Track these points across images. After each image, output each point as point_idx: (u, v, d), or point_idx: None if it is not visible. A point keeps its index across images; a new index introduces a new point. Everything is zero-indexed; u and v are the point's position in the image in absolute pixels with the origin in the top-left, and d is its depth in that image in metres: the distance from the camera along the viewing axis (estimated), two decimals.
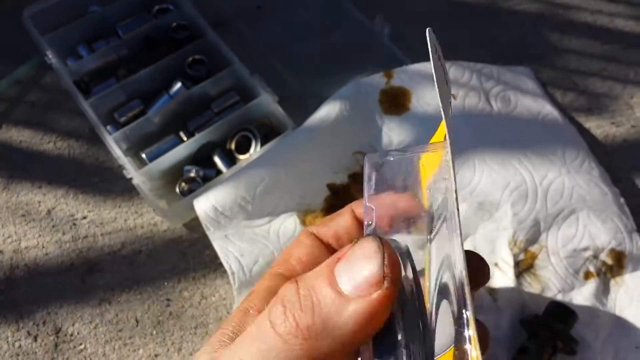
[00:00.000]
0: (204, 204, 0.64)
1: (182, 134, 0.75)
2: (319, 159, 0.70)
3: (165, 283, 0.68)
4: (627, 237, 0.70)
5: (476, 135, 0.73)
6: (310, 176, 0.69)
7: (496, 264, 0.69)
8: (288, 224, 0.65)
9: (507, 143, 0.73)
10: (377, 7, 0.87)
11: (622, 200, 0.73)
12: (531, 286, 0.68)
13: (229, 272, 0.61)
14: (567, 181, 0.71)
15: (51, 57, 0.76)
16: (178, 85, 0.75)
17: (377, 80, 0.76)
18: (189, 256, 0.70)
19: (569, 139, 0.75)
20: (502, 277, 0.68)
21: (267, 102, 0.74)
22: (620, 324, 0.67)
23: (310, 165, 0.69)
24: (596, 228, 0.70)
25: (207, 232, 0.63)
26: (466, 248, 0.69)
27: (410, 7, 0.90)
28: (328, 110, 0.72)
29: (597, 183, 0.72)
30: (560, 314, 0.64)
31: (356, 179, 0.72)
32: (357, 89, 0.75)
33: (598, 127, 0.80)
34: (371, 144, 0.74)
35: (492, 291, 0.68)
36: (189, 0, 0.82)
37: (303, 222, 0.66)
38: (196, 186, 0.70)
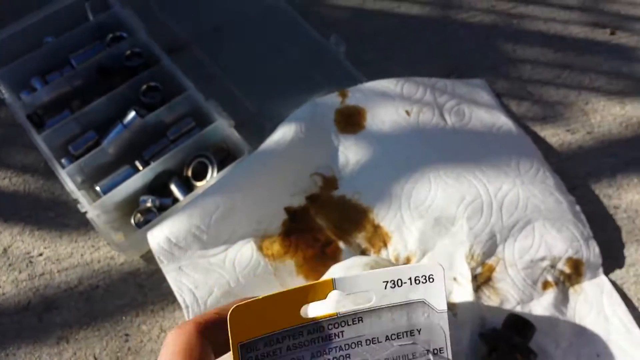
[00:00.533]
0: (157, 236, 0.64)
1: (137, 164, 0.75)
2: (275, 182, 0.70)
3: (124, 317, 0.68)
4: (583, 244, 0.71)
5: (431, 150, 0.74)
6: (267, 200, 0.69)
7: (455, 279, 0.69)
8: (245, 251, 0.65)
9: (462, 157, 0.74)
10: (332, 26, 0.88)
11: (577, 208, 0.73)
12: (490, 299, 0.69)
13: (182, 305, 0.60)
14: (521, 192, 0.72)
15: (4, 91, 0.76)
16: (132, 114, 0.75)
17: (332, 99, 0.77)
18: (146, 288, 0.70)
19: (523, 150, 0.76)
20: (461, 291, 0.69)
21: (222, 127, 0.74)
22: (581, 332, 0.68)
23: (267, 189, 0.69)
24: (552, 237, 0.70)
25: (161, 265, 0.63)
26: (425, 263, 0.70)
27: (364, 24, 0.90)
28: (284, 133, 0.72)
29: (551, 192, 0.73)
30: (519, 327, 0.64)
31: (314, 200, 0.72)
32: (312, 110, 0.75)
33: (553, 135, 0.81)
34: (328, 164, 0.74)
35: (452, 306, 0.68)
36: (143, 27, 0.82)
37: (260, 248, 0.66)
38: (152, 217, 0.70)
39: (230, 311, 0.33)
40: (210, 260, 0.64)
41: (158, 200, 0.72)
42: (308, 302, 0.37)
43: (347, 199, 0.73)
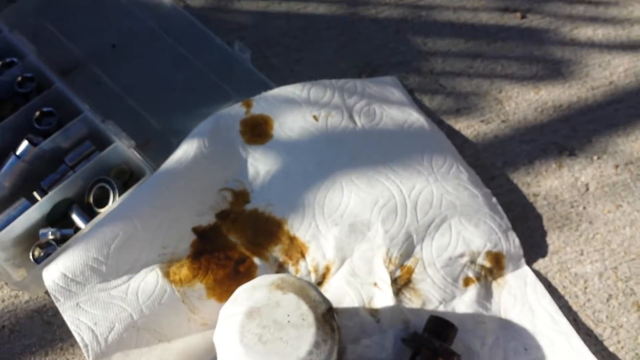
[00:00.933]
0: (52, 273, 0.60)
1: (36, 194, 0.71)
2: (180, 202, 0.67)
3: (32, 358, 0.64)
4: (502, 237, 0.70)
5: (341, 155, 0.72)
6: (171, 223, 0.66)
7: (375, 284, 0.67)
8: (149, 279, 0.62)
9: (374, 159, 0.72)
10: (236, 32, 0.85)
11: (494, 200, 0.72)
12: (412, 301, 0.67)
13: (81, 345, 0.57)
14: (435, 189, 0.70)
15: None
16: (24, 143, 0.71)
17: (237, 110, 0.74)
18: (54, 325, 0.66)
19: (435, 146, 0.74)
20: (382, 296, 0.67)
21: (122, 148, 0.70)
22: (507, 326, 0.67)
23: (171, 211, 0.66)
24: (470, 233, 0.69)
25: (57, 304, 0.59)
26: (344, 271, 0.68)
27: (269, 28, 0.87)
28: (185, 150, 0.69)
29: (466, 187, 0.71)
30: (439, 330, 0.63)
31: (225, 217, 0.69)
32: (215, 123, 0.72)
33: (468, 127, 0.80)
34: (237, 178, 0.71)
35: (374, 312, 0.66)
36: (34, 50, 0.77)
37: (167, 275, 0.63)
38: (52, 250, 0.66)
39: None
40: (111, 292, 0.60)
41: (59, 232, 0.68)
42: None
43: (259, 212, 0.70)
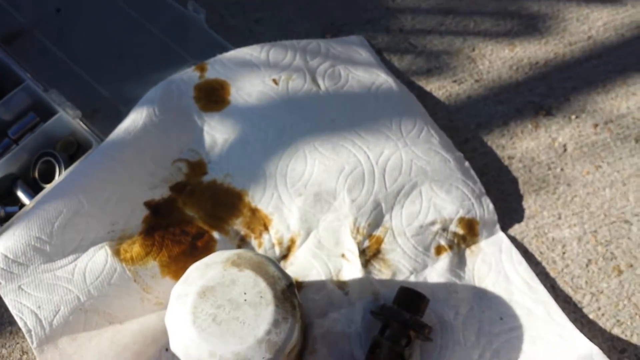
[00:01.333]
0: None
1: None
2: (129, 175, 0.62)
3: None
4: (475, 202, 0.66)
5: (304, 121, 0.67)
6: (120, 197, 0.61)
7: (343, 255, 0.64)
8: (97, 258, 0.58)
9: (339, 124, 0.67)
10: None
11: (466, 164, 0.68)
12: (381, 272, 0.63)
13: (24, 330, 0.53)
14: (404, 155, 0.66)
15: None
16: None
17: (189, 75, 0.69)
18: (2, 309, 0.62)
19: (405, 109, 0.70)
20: (350, 268, 0.63)
21: (66, 119, 0.65)
22: (481, 295, 0.64)
23: (119, 184, 0.61)
24: (441, 199, 0.65)
25: None
26: (310, 243, 0.64)
27: None
28: (134, 119, 0.64)
29: (437, 151, 0.67)
30: (409, 301, 0.59)
31: (180, 189, 0.65)
32: (166, 89, 0.67)
33: (440, 87, 0.75)
34: (193, 148, 0.66)
35: (342, 284, 0.63)
36: None
37: (116, 253, 0.58)
38: None
39: None
40: (56, 273, 0.56)
41: (3, 209, 0.64)
42: None
43: (218, 183, 0.65)
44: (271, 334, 0.49)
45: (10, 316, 0.61)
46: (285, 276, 0.52)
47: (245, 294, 0.50)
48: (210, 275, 0.51)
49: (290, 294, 0.52)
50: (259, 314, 0.49)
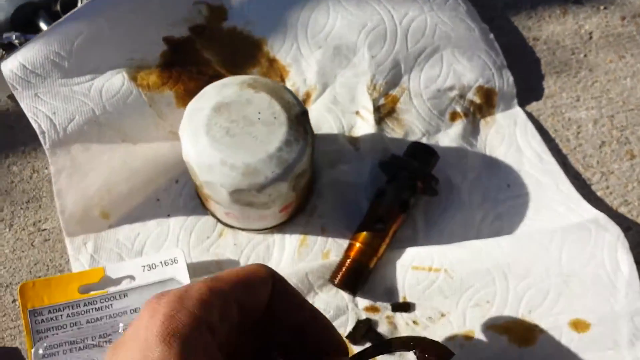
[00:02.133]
0: (11, 63, 0.56)
1: None
2: (150, 7, 0.62)
3: None
4: (496, 73, 0.65)
5: None
6: (141, 28, 0.61)
7: (357, 112, 0.64)
8: (115, 80, 0.58)
9: None
10: None
11: (491, 36, 0.68)
12: (394, 131, 0.63)
13: (38, 132, 0.53)
14: (429, 18, 0.65)
15: None
16: None
17: None
18: (16, 130, 0.63)
19: None
20: (363, 124, 0.63)
21: None
22: (491, 164, 0.64)
23: (141, 15, 0.61)
24: (462, 66, 0.65)
25: (14, 93, 0.55)
26: (326, 98, 0.64)
27: None
28: None
29: (463, 19, 0.66)
30: (420, 154, 0.59)
31: (200, 32, 0.64)
32: None
33: None
34: None
35: (355, 140, 0.63)
36: None
37: (134, 78, 0.59)
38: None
39: (20, 286, 0.51)
40: (73, 88, 0.56)
41: (23, 36, 0.63)
42: (84, 283, 0.52)
43: (237, 30, 0.65)
44: (282, 152, 0.49)
45: (24, 137, 0.62)
46: (300, 104, 0.52)
47: (259, 113, 0.50)
48: (226, 93, 0.51)
49: (304, 121, 0.52)
50: (272, 131, 0.50)
